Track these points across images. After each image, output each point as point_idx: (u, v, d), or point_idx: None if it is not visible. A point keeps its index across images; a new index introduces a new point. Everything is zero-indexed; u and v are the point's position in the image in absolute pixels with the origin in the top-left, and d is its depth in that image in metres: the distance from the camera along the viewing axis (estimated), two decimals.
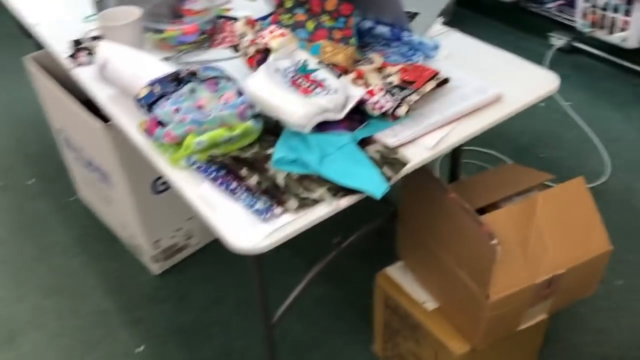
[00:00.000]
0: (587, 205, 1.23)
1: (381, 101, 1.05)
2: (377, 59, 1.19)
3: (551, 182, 1.34)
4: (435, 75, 1.13)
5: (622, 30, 2.37)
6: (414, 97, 1.09)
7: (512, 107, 1.13)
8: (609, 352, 1.54)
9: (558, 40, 2.75)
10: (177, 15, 1.47)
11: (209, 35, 1.40)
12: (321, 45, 1.16)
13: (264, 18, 1.29)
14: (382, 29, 1.28)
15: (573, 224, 1.21)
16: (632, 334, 1.57)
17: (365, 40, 1.30)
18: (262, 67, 1.06)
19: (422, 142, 1.05)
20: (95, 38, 1.42)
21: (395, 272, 1.39)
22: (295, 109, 1.00)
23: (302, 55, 1.12)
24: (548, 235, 1.17)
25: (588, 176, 2.09)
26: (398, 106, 1.07)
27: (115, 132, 1.45)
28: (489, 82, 1.18)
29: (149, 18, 1.38)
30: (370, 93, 1.06)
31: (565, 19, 2.76)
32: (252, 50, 1.17)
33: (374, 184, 0.95)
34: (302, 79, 1.07)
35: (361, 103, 1.05)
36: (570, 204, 1.21)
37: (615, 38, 2.41)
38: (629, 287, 1.69)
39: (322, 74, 1.09)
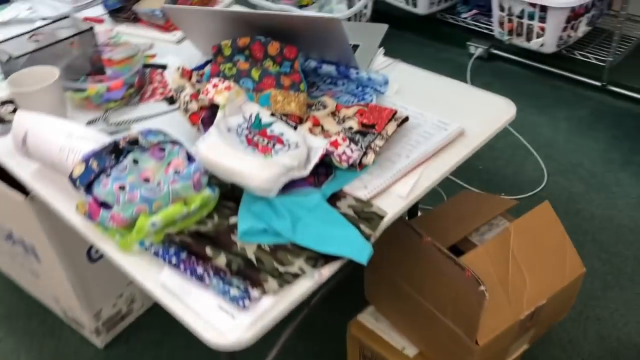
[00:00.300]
0: (557, 230, 1.21)
1: (347, 152, 0.97)
2: (329, 102, 1.12)
3: (509, 197, 1.32)
4: (394, 114, 1.07)
5: (539, 36, 2.43)
6: (379, 143, 1.02)
7: (476, 140, 1.09)
8: None
9: (477, 49, 2.80)
10: (96, 67, 1.33)
11: (137, 88, 1.27)
12: (271, 95, 1.07)
13: (200, 67, 1.18)
14: (328, 68, 1.21)
15: (547, 251, 1.18)
16: (601, 341, 1.57)
17: (309, 80, 1.22)
18: (213, 128, 0.96)
19: (394, 190, 0.98)
20: (5, 103, 1.26)
21: (368, 318, 1.32)
22: (257, 172, 0.90)
23: (253, 109, 1.03)
24: (525, 266, 1.14)
25: (528, 184, 2.11)
26: (364, 154, 1.00)
27: (39, 204, 1.29)
28: (447, 116, 1.13)
29: (67, 75, 1.23)
30: (335, 144, 0.98)
31: (482, 27, 2.81)
32: (194, 106, 1.06)
33: (356, 247, 0.87)
34: (258, 136, 0.98)
35: (326, 155, 0.96)
36: (540, 231, 1.18)
37: (533, 44, 2.47)
38: (588, 294, 1.70)
39: (278, 128, 1.00)
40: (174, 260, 0.85)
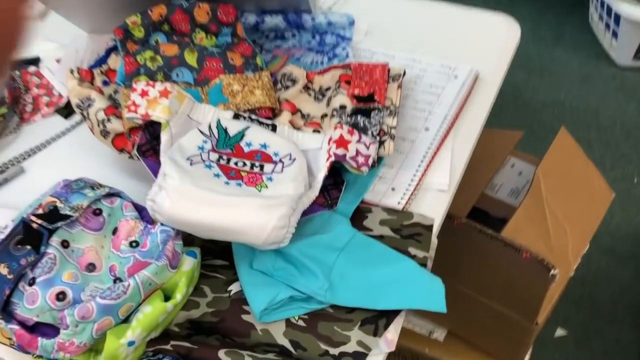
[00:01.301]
0: (580, 158, 1.03)
1: (361, 150, 0.69)
2: (295, 71, 0.81)
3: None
4: (388, 72, 0.79)
5: None
6: (391, 122, 0.75)
7: (493, 83, 0.85)
8: None
9: None
10: None
11: (11, 103, 0.89)
12: (223, 85, 0.75)
13: (102, 61, 0.82)
14: (273, 20, 0.89)
15: (577, 187, 1.00)
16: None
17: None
18: (167, 164, 0.64)
19: (431, 182, 0.73)
20: None
21: None
22: (258, 221, 0.61)
23: (208, 114, 0.71)
24: (562, 215, 0.96)
25: None
26: (380, 145, 0.73)
27: None
28: (447, 56, 0.87)
29: None
30: (341, 142, 0.68)
31: None
32: (116, 126, 0.73)
33: (422, 289, 0.62)
34: (234, 159, 0.67)
35: (336, 162, 0.68)
36: (566, 166, 1.00)
37: None
38: None
39: (255, 135, 0.70)
40: None
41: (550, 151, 0.98)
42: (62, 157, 0.83)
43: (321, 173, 0.67)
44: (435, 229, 0.69)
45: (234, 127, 0.70)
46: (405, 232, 0.68)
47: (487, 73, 0.85)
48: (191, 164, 0.65)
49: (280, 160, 0.68)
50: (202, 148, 0.67)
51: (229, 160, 0.67)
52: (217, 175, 0.65)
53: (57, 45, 0.99)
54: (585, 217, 0.99)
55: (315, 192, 0.67)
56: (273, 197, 0.63)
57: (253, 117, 0.72)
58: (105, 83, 0.80)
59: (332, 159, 0.67)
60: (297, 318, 0.62)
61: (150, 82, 0.69)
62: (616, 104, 1.82)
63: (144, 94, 0.69)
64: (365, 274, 0.63)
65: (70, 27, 0.93)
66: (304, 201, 0.65)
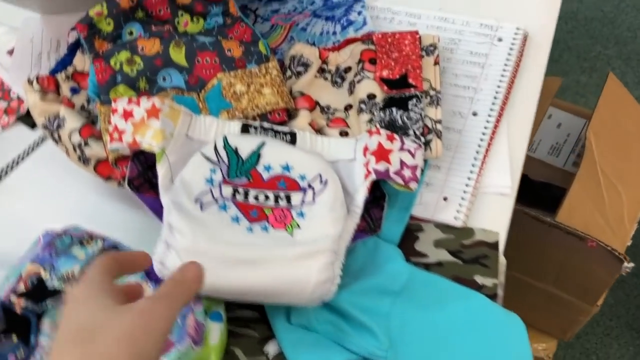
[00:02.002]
0: (630, 105, 0.90)
1: (406, 160, 0.55)
2: (306, 51, 0.66)
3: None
4: (420, 40, 0.65)
5: None
6: (435, 114, 0.61)
7: (544, 40, 0.70)
8: None
9: None
10: None
11: None
12: (222, 87, 0.60)
13: (65, 62, 0.65)
14: None
15: (629, 140, 0.88)
16: None
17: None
18: (171, 214, 0.51)
19: (490, 184, 0.61)
20: None
21: None
22: (295, 278, 0.49)
23: (211, 129, 0.56)
24: (615, 176, 0.84)
25: None
26: (425, 146, 0.60)
27: None
28: (481, 14, 0.72)
29: None
30: (381, 154, 0.54)
31: None
32: (97, 151, 0.58)
33: (502, 338, 0.52)
34: (251, 190, 0.53)
35: (379, 180, 0.55)
36: (617, 118, 0.87)
37: None
38: None
39: (274, 154, 0.56)
40: None
41: (600, 104, 0.84)
42: (34, 180, 0.69)
43: (360, 195, 0.54)
44: (502, 247, 0.58)
45: (245, 145, 0.55)
46: (467, 255, 0.57)
47: (534, 32, 0.70)
48: (202, 208, 0.52)
49: (310, 186, 0.54)
50: (211, 181, 0.54)
51: (246, 195, 0.54)
52: (236, 220, 0.52)
53: (6, 30, 0.81)
54: (638, 173, 0.88)
55: (355, 220, 0.54)
56: (309, 242, 0.51)
57: (266, 125, 0.57)
58: (73, 91, 0.64)
59: (373, 176, 0.53)
60: None
61: (134, 99, 0.54)
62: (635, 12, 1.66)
63: (127, 115, 0.54)
64: (431, 324, 0.52)
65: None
66: (345, 238, 0.53)
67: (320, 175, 0.55)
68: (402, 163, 0.54)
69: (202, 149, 0.55)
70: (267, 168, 0.55)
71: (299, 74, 0.65)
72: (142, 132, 0.53)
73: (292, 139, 0.57)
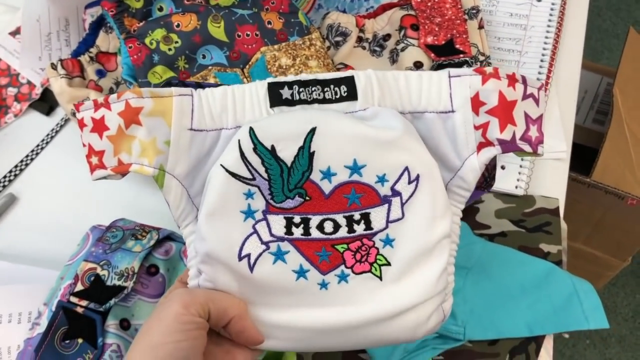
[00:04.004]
0: None
1: (531, 111, 0.38)
2: (343, 19, 0.63)
3: None
4: (461, 3, 0.62)
5: None
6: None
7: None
8: None
9: None
10: None
11: None
12: (266, 59, 0.56)
13: (87, 44, 0.60)
14: None
15: None
16: None
17: None
18: (207, 277, 0.38)
19: (545, 149, 0.59)
20: None
21: None
22: (395, 335, 0.38)
23: (223, 104, 0.38)
24: None
25: None
26: None
27: None
28: None
29: None
30: (504, 110, 0.37)
31: None
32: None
33: (574, 302, 0.51)
34: (311, 217, 0.37)
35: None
36: (639, 72, 0.87)
37: None
38: None
39: (332, 147, 0.37)
40: None
41: (623, 60, 0.84)
42: (59, 171, 0.65)
43: (470, 175, 0.38)
44: (562, 212, 0.57)
45: (285, 137, 0.36)
46: (530, 224, 0.56)
47: None
48: (251, 265, 0.37)
49: (394, 192, 0.37)
50: (251, 214, 0.37)
51: (307, 226, 0.37)
52: (302, 274, 0.37)
53: (4, 9, 0.75)
54: None
55: (460, 207, 0.39)
56: (406, 289, 0.38)
57: (305, 78, 0.38)
58: (99, 73, 0.60)
59: (495, 151, 0.37)
60: None
61: (99, 101, 0.38)
62: None
63: (99, 127, 0.37)
64: (503, 294, 0.52)
65: None
66: (452, 251, 0.39)
67: (407, 169, 0.37)
68: (527, 119, 0.37)
69: (221, 159, 0.37)
70: (327, 174, 0.37)
71: (337, 44, 0.62)
72: (126, 148, 0.37)
73: (351, 90, 0.37)
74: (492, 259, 0.53)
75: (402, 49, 0.61)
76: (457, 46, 0.60)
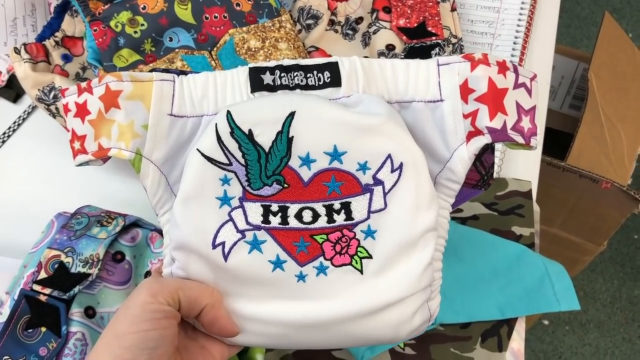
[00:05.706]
0: (627, 46, 0.90)
1: (523, 102, 0.37)
2: (314, 2, 0.62)
3: None
4: None
5: None
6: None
7: None
8: None
9: None
10: None
11: None
12: (234, 42, 0.56)
13: (52, 27, 0.59)
14: None
15: (626, 80, 0.89)
16: None
17: None
18: (179, 264, 0.38)
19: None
20: None
21: None
22: (377, 334, 0.37)
23: (204, 91, 0.37)
24: (615, 116, 0.85)
25: None
26: None
27: None
28: None
29: None
30: (494, 98, 0.36)
31: None
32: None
33: (546, 286, 0.51)
34: (289, 206, 0.36)
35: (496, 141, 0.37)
36: (615, 58, 0.87)
37: None
38: None
39: (311, 132, 0.36)
40: None
41: (598, 45, 0.84)
42: (26, 159, 0.64)
43: (459, 165, 0.36)
44: (534, 195, 0.57)
45: (263, 122, 0.35)
46: (502, 207, 0.56)
47: None
48: (225, 254, 0.36)
49: (376, 180, 0.36)
50: (227, 200, 0.36)
51: (285, 214, 0.36)
52: (279, 264, 0.36)
53: None
54: (637, 112, 0.89)
55: (449, 201, 0.38)
56: (388, 283, 0.36)
57: (287, 63, 0.37)
58: (65, 58, 0.59)
59: (485, 140, 0.36)
60: (402, 346, 0.50)
61: (83, 85, 0.38)
62: None
63: (82, 112, 0.37)
64: (475, 277, 0.51)
65: None
66: (439, 246, 0.38)
67: (391, 158, 0.35)
68: (518, 108, 0.36)
69: (198, 143, 0.36)
70: (306, 160, 0.35)
71: (308, 27, 0.61)
72: (105, 132, 0.36)
73: (334, 77, 0.36)
74: (464, 242, 0.53)
75: (374, 32, 0.60)
76: (429, 29, 0.59)
